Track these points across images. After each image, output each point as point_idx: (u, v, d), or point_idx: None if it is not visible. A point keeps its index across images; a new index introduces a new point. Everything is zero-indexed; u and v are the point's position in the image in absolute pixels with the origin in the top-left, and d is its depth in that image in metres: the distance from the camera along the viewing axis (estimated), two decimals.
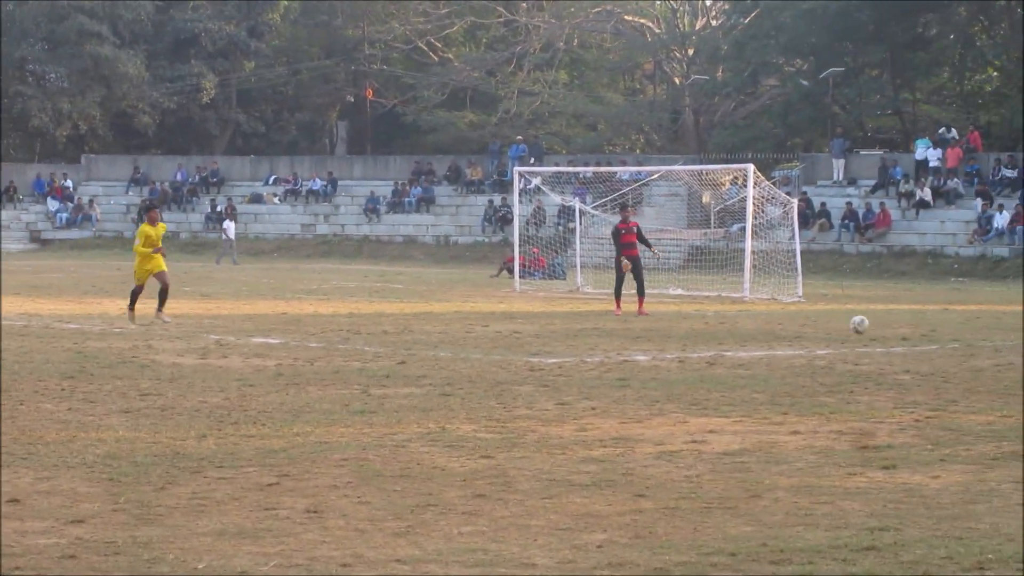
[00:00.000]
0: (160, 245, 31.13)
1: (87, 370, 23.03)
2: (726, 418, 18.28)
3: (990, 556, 10.89)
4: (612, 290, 39.89)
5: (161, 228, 31.54)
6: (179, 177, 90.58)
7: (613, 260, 40.07)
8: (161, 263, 31.01)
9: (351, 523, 12.00)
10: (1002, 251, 64.99)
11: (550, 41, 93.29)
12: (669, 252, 66.14)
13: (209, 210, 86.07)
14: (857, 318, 26.20)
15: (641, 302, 38.71)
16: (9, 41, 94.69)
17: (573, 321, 34.89)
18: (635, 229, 40.68)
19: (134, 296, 31.08)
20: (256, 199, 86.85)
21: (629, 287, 38.17)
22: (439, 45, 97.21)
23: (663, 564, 10.64)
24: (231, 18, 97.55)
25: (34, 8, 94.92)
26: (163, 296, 30.89)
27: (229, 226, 76.24)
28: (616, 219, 43.09)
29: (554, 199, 69.39)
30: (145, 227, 30.95)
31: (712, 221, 65.06)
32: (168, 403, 19.23)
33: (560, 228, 67.32)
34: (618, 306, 38.77)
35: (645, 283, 39.57)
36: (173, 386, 21.11)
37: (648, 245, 41.37)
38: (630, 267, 38.85)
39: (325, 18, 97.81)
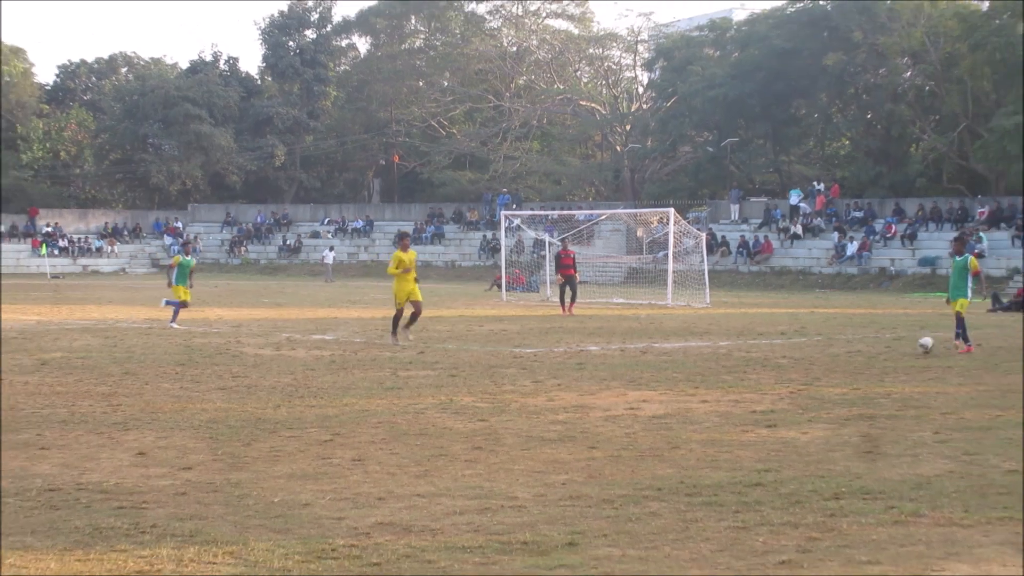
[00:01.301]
0: (413, 269, 27.29)
1: (193, 359, 23.02)
2: (654, 391, 18.29)
3: (843, 489, 10.95)
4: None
5: (412, 254, 27.81)
6: (258, 220, 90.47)
7: (572, 279, 40.36)
8: (417, 292, 27.13)
9: (384, 468, 12.03)
10: (852, 270, 65.17)
11: (526, 120, 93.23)
12: (612, 272, 66.34)
13: (280, 243, 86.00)
14: (926, 340, 23.90)
15: (572, 305, 39.30)
16: (135, 121, 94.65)
17: (544, 322, 34.83)
18: (572, 256, 41.74)
19: (395, 322, 27.20)
20: (315, 235, 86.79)
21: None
22: (446, 123, 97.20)
23: (609, 496, 10.68)
24: (295, 104, 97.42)
25: (152, 98, 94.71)
26: (414, 318, 27.22)
27: (328, 255, 76.44)
28: (559, 248, 43.73)
29: (530, 234, 69.47)
30: (398, 253, 27.41)
31: (644, 249, 65.02)
32: (252, 383, 19.23)
33: (535, 255, 67.10)
34: (563, 311, 39.03)
35: (578, 294, 40.52)
36: (255, 370, 21.11)
37: (575, 270, 41.72)
38: (562, 280, 40.05)
39: (363, 104, 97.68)
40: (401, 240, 28.69)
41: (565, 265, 40.59)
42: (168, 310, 32.77)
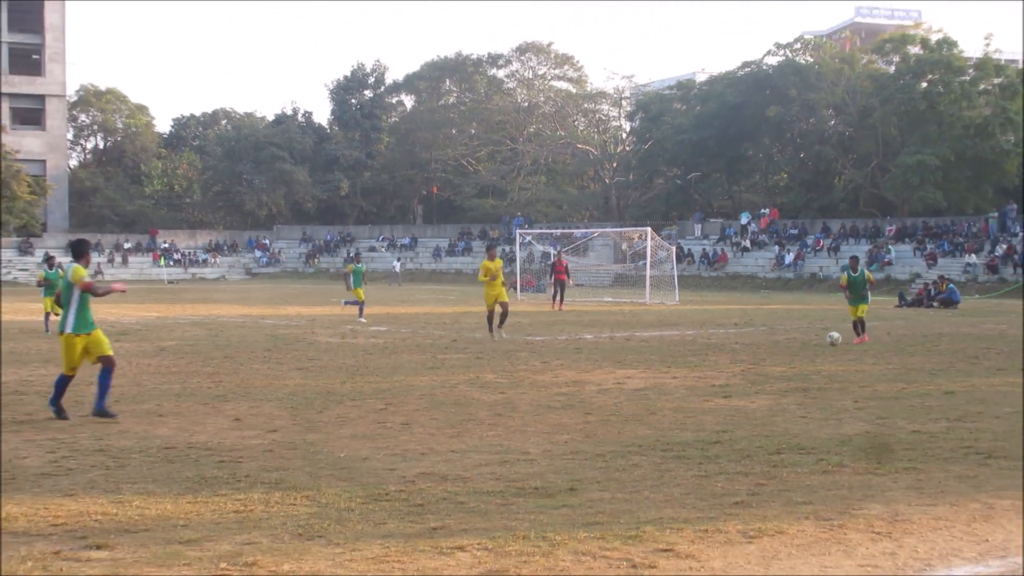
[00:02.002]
0: (499, 275, 25.38)
1: (277, 346, 23.04)
2: (636, 370, 18.27)
3: (783, 445, 10.93)
4: (568, 300, 40.50)
5: (498, 263, 25.77)
6: (328, 237, 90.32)
7: (563, 283, 40.74)
8: (503, 294, 25.31)
9: (426, 430, 12.03)
10: (789, 275, 64.94)
11: (535, 159, 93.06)
12: (603, 277, 66.26)
13: (345, 256, 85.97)
14: (833, 335, 23.32)
15: (561, 304, 39.40)
16: (232, 161, 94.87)
17: (549, 316, 34.82)
18: (565, 264, 41.97)
19: (489, 321, 25.33)
20: (372, 249, 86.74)
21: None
22: (473, 162, 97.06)
23: (601, 451, 10.67)
24: (356, 148, 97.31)
25: (246, 143, 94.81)
26: (503, 317, 25.20)
27: (396, 264, 76.63)
28: (555, 258, 44.39)
29: (539, 248, 69.44)
30: (485, 262, 25.55)
31: (627, 259, 64.75)
32: (323, 364, 19.25)
33: (543, 264, 66.95)
34: (553, 306, 39.29)
35: (577, 295, 41.09)
36: (326, 354, 21.12)
37: (568, 275, 41.88)
38: (555, 282, 40.64)
39: (409, 147, 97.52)
40: (489, 251, 26.38)
41: (558, 271, 41.20)
42: (351, 309, 33.62)
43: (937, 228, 65.29)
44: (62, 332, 12.91)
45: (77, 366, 13.03)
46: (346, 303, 34.15)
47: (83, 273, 12.74)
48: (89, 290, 12.78)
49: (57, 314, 26.33)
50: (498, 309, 25.21)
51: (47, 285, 27.12)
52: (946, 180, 68.26)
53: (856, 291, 24.36)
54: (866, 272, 24.58)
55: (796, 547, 7.23)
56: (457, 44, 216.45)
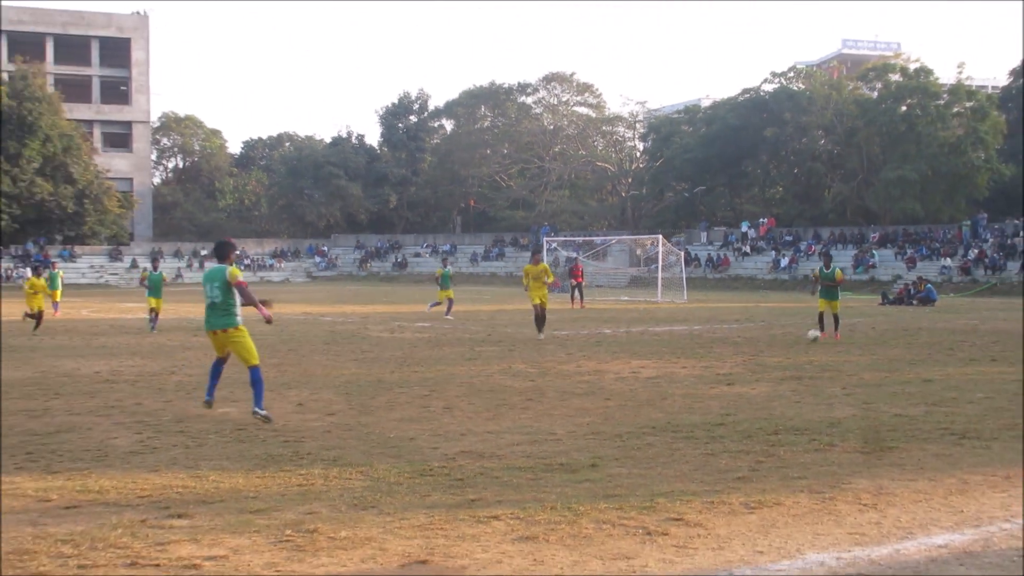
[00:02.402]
0: (542, 280, 23.41)
1: (335, 339, 23.11)
2: (649, 360, 18.22)
3: (781, 427, 10.87)
4: (588, 299, 40.49)
5: (541, 267, 23.72)
6: (378, 244, 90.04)
7: (580, 285, 40.86)
8: (545, 298, 23.47)
9: (465, 413, 12.03)
10: (785, 277, 64.46)
11: (560, 175, 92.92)
12: (620, 279, 66.11)
13: (393, 261, 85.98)
14: (813, 332, 22.47)
15: (581, 302, 39.49)
16: (294, 179, 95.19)
17: (573, 313, 34.79)
18: (581, 268, 42.52)
19: (535, 320, 23.51)
20: (416, 255, 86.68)
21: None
22: (505, 178, 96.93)
23: (619, 432, 10.64)
24: (403, 166, 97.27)
25: (306, 162, 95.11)
26: (541, 321, 23.41)
27: (448, 269, 75.90)
28: (573, 263, 44.97)
29: (564, 253, 69.22)
30: (528, 267, 23.90)
31: (641, 263, 64.60)
32: (375, 356, 19.28)
33: (567, 267, 66.90)
34: (572, 304, 39.19)
35: (598, 295, 40.86)
36: (377, 347, 21.16)
37: (583, 277, 42.04)
38: (574, 283, 40.53)
39: (449, 165, 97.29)
40: (533, 256, 24.83)
41: (575, 274, 41.28)
42: (437, 308, 33.32)
43: (916, 235, 65.37)
44: (234, 327, 11.92)
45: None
46: (432, 305, 33.99)
47: (238, 273, 11.91)
48: (242, 289, 11.83)
49: (158, 312, 26.68)
50: (538, 311, 23.51)
51: (150, 286, 27.20)
52: (924, 192, 68.88)
53: (826, 287, 23.74)
54: (837, 270, 23.95)
55: (792, 517, 7.20)
56: (491, 74, 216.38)
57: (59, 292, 34.48)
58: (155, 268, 28.77)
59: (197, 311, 35.02)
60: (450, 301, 32.74)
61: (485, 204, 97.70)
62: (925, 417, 11.63)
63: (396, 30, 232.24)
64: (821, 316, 23.68)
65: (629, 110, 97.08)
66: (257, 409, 11.35)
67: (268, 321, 12.34)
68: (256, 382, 11.53)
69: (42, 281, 28.61)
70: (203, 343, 21.64)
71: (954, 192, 69.80)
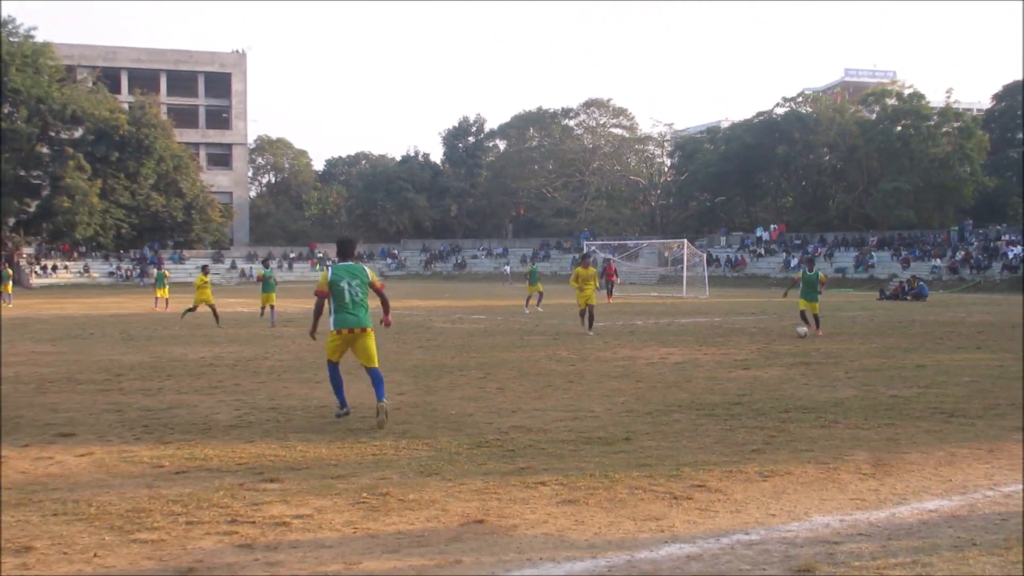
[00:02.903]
0: (590, 283, 22.29)
1: (403, 330, 23.13)
2: (676, 348, 18.10)
3: (791, 406, 10.74)
4: (622, 295, 40.13)
5: (591, 271, 22.51)
6: (441, 248, 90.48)
7: (612, 283, 40.51)
8: (593, 298, 22.28)
9: (516, 393, 12.01)
10: (795, 274, 64.00)
11: (598, 188, 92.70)
12: (650, 277, 65.74)
13: (454, 262, 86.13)
14: (801, 329, 21.25)
15: (609, 297, 38.91)
16: (370, 192, 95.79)
17: (608, 307, 34.66)
18: (614, 267, 42.26)
19: (581, 317, 22.36)
20: (474, 257, 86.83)
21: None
22: (551, 190, 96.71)
23: (649, 410, 10.57)
24: (462, 180, 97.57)
25: (380, 177, 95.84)
26: (591, 319, 21.96)
27: (506, 268, 76.12)
28: (606, 264, 44.42)
29: (602, 255, 68.85)
30: (578, 269, 22.55)
31: (669, 264, 64.17)
32: (437, 343, 19.32)
33: (603, 266, 66.73)
34: (606, 299, 38.04)
35: (631, 291, 40.52)
36: (439, 336, 21.22)
37: (616, 276, 41.72)
38: (608, 281, 39.76)
39: (502, 180, 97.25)
40: (583, 260, 23.37)
41: (608, 273, 40.84)
42: (531, 303, 32.14)
43: (910, 239, 64.91)
44: (362, 328, 10.08)
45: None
46: (531, 305, 32.00)
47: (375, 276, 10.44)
48: (381, 292, 10.32)
49: (272, 307, 25.71)
50: (587, 311, 22.21)
51: (264, 282, 26.42)
52: (917, 201, 68.64)
53: (808, 288, 22.61)
54: (820, 273, 22.93)
55: (801, 484, 7.13)
56: (539, 100, 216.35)
57: (167, 290, 34.82)
58: (266, 266, 28.65)
59: (280, 304, 35.25)
60: (540, 294, 31.94)
61: (533, 212, 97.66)
62: (918, 398, 11.45)
63: (457, 63, 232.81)
64: (803, 314, 22.85)
65: (658, 131, 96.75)
66: (384, 401, 9.59)
67: (388, 325, 10.57)
68: (379, 380, 9.78)
69: (207, 278, 26.17)
70: (291, 334, 21.80)
71: (943, 201, 69.78)
